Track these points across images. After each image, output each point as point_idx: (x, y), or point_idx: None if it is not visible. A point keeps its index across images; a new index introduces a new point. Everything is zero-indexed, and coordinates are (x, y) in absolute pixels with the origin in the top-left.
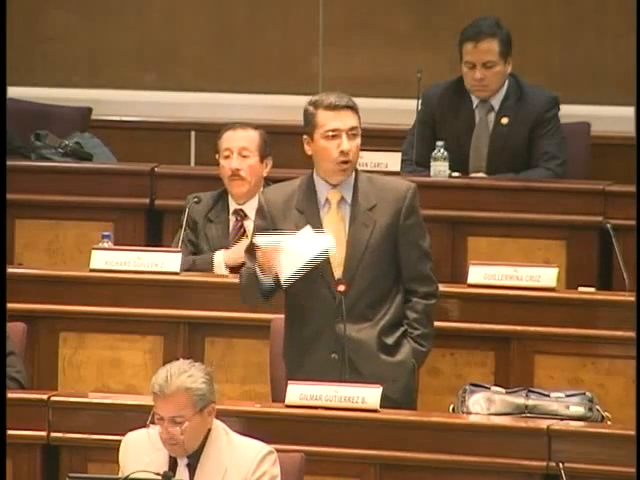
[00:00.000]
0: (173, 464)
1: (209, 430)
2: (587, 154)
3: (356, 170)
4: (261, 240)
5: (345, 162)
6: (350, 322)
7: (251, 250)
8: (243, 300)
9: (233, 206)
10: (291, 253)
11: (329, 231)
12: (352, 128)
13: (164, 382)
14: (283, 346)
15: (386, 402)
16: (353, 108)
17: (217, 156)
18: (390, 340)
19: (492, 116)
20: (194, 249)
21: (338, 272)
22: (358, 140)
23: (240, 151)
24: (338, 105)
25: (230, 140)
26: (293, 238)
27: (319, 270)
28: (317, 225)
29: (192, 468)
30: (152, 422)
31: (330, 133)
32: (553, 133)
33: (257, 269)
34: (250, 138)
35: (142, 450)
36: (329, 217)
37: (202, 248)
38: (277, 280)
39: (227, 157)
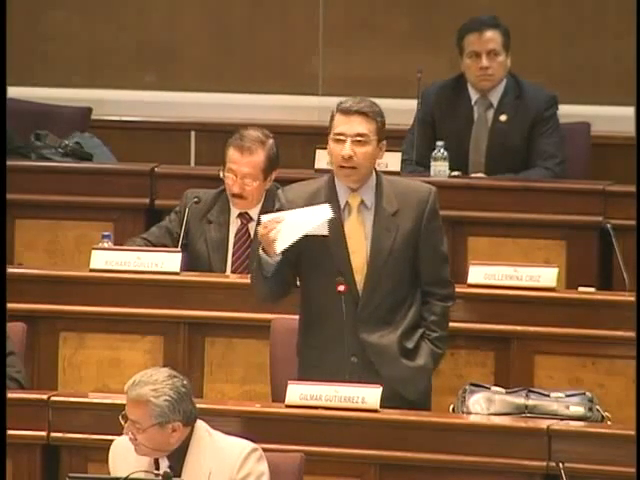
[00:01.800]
0: (157, 467)
1: (190, 433)
2: (587, 154)
3: (377, 173)
4: (265, 216)
5: (346, 167)
6: (372, 327)
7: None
8: (256, 298)
9: (237, 209)
10: (290, 224)
11: (351, 235)
12: (359, 134)
13: (131, 385)
14: (297, 345)
15: (402, 403)
16: (366, 114)
17: (222, 168)
18: (410, 344)
19: (491, 113)
20: (170, 242)
21: (359, 277)
22: (368, 147)
23: (243, 176)
24: (350, 110)
25: (235, 162)
26: (294, 212)
27: (340, 274)
28: (339, 229)
29: (176, 472)
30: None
31: (337, 137)
32: (552, 132)
33: (260, 250)
34: (255, 164)
35: (130, 454)
36: (350, 221)
37: (199, 249)
38: (280, 261)
39: (229, 176)
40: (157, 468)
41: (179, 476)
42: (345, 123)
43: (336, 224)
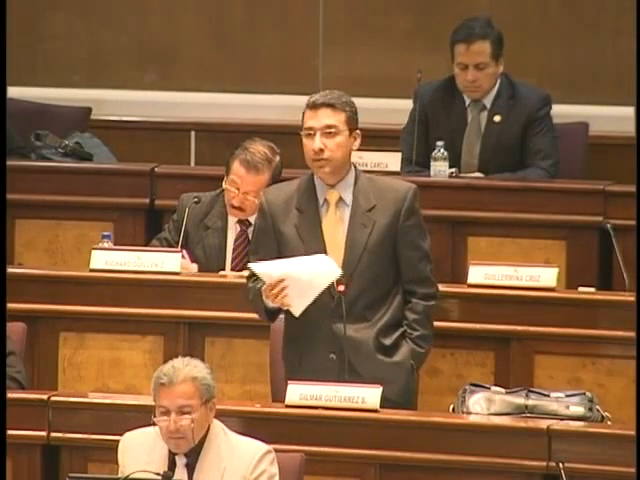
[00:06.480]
0: (172, 464)
1: (208, 428)
2: (585, 154)
3: (357, 170)
4: (261, 271)
5: (319, 160)
6: (348, 322)
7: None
8: (255, 311)
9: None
10: (300, 283)
11: (328, 231)
12: (328, 126)
13: (171, 372)
14: (282, 346)
15: (385, 403)
16: (334, 106)
17: (225, 178)
18: (388, 341)
19: (484, 115)
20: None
21: None
22: (338, 138)
23: (246, 192)
24: (316, 103)
25: (239, 177)
26: (295, 266)
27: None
28: (316, 225)
29: (191, 468)
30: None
31: (306, 132)
32: (546, 131)
33: (263, 294)
34: (260, 183)
35: (141, 449)
36: (328, 218)
37: (197, 255)
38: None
39: (231, 189)
40: (173, 464)
41: (194, 471)
42: (313, 117)
43: (315, 221)
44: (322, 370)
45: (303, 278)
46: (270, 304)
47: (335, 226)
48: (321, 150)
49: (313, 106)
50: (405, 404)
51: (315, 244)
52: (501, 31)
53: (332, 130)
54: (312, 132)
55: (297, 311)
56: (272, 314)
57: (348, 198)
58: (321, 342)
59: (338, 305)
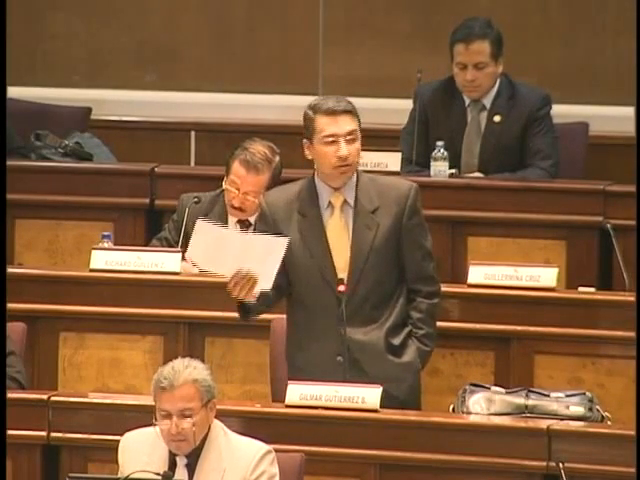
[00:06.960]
0: (172, 464)
1: (209, 428)
2: (585, 154)
3: (357, 171)
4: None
5: (344, 166)
6: (357, 325)
7: None
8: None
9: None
10: (255, 265)
11: (333, 234)
12: (350, 132)
13: (171, 375)
14: (286, 348)
15: (392, 402)
16: (351, 112)
17: (225, 178)
18: (397, 341)
19: (484, 115)
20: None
21: (342, 275)
22: (357, 144)
23: (246, 193)
24: (336, 110)
25: (239, 177)
26: (237, 256)
27: (323, 274)
28: (320, 229)
29: (191, 468)
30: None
31: (328, 139)
32: (546, 131)
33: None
34: (260, 183)
35: (141, 450)
36: (333, 221)
37: None
38: (260, 297)
39: (231, 189)
40: (173, 464)
41: (194, 472)
42: (333, 124)
43: (318, 225)
44: (329, 373)
45: (254, 261)
46: (247, 304)
47: (339, 229)
48: (346, 157)
49: (332, 113)
50: (413, 403)
51: (320, 248)
52: (501, 31)
53: (353, 136)
54: (335, 139)
55: (267, 286)
56: (249, 311)
57: (351, 199)
58: (329, 345)
59: (346, 306)
